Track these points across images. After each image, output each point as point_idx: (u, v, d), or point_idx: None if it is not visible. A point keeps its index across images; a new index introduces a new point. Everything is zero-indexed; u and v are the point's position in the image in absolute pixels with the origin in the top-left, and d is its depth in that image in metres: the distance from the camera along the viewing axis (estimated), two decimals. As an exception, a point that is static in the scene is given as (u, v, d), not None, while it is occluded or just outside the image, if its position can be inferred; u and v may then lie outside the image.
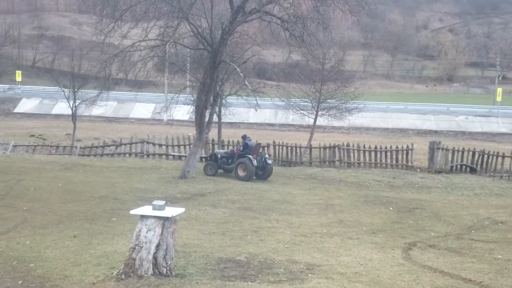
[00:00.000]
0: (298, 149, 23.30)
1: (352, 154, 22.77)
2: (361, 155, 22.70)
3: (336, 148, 22.86)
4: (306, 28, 15.60)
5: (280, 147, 23.16)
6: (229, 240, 8.53)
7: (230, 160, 17.58)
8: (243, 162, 17.02)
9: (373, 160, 22.51)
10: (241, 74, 15.79)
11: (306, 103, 27.59)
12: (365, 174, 19.96)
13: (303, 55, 18.68)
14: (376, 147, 22.87)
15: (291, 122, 51.16)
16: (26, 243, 7.85)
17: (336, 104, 26.93)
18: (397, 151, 22.42)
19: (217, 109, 21.53)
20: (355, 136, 40.95)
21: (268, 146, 23.18)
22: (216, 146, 23.02)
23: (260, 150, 18.06)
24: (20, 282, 6.01)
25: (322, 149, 23.06)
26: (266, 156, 18.02)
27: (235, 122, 46.29)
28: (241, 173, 17.05)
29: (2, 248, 7.50)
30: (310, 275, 6.67)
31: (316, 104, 26.76)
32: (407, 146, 22.63)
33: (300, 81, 29.28)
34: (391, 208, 12.92)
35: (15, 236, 8.31)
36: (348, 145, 23.11)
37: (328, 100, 26.92)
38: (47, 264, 6.73)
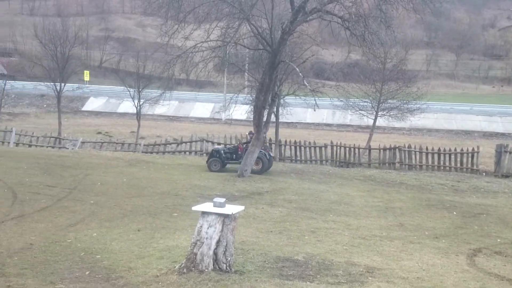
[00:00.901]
0: (356, 150, 22.94)
1: (413, 156, 22.11)
2: (423, 157, 21.99)
3: (397, 149, 22.28)
4: (367, 27, 15.31)
5: (338, 147, 22.89)
6: (286, 240, 8.55)
7: (234, 156, 18.12)
8: (259, 156, 17.54)
9: (436, 163, 21.75)
10: (300, 74, 15.75)
11: (365, 103, 27.09)
12: (427, 177, 19.32)
13: (364, 55, 18.34)
14: (439, 149, 22.08)
15: (349, 122, 50.35)
16: (93, 235, 8.24)
17: (397, 105, 26.25)
18: (461, 154, 21.54)
19: (275, 109, 21.61)
20: (417, 138, 39.67)
21: (325, 146, 23.00)
22: (273, 145, 23.12)
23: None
24: (87, 272, 6.33)
25: (381, 150, 22.55)
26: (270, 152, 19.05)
27: (292, 122, 46.21)
28: (255, 166, 17.52)
29: (70, 239, 7.92)
30: (370, 278, 6.55)
31: (376, 104, 26.21)
32: (473, 149, 21.68)
33: (360, 81, 28.78)
34: (454, 213, 12.43)
35: (83, 228, 8.75)
36: (409, 146, 22.46)
37: (389, 100, 26.29)
38: (112, 256, 7.04)
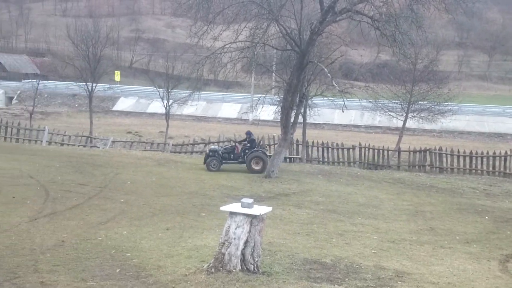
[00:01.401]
0: (385, 152, 22.63)
1: (444, 159, 21.68)
2: (455, 160, 21.53)
3: (428, 152, 21.88)
4: (398, 27, 15.09)
5: (366, 149, 22.63)
6: (313, 242, 8.50)
7: (232, 155, 18.03)
8: (259, 156, 17.83)
9: (467, 166, 21.28)
10: (328, 74, 15.65)
11: (395, 105, 26.71)
12: (458, 180, 18.90)
13: (394, 55, 18.06)
14: (471, 152, 21.58)
15: (378, 124, 49.74)
16: (123, 233, 8.38)
17: (428, 106, 25.80)
18: (494, 157, 21.00)
19: (302, 110, 21.52)
20: (448, 140, 38.84)
21: (353, 148, 22.77)
22: (300, 146, 23.04)
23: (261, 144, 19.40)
24: (118, 270, 6.43)
25: (411, 152, 22.19)
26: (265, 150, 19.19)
27: (319, 123, 45.98)
28: (255, 166, 17.69)
29: (101, 237, 8.07)
30: (399, 282, 6.45)
31: (406, 105, 25.81)
32: (505, 152, 21.12)
33: (389, 82, 28.40)
34: (486, 217, 12.12)
35: (113, 226, 8.90)
36: (440, 149, 22.03)
37: (420, 102, 25.86)
38: (142, 254, 7.14)
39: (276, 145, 20.96)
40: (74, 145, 24.27)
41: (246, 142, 18.31)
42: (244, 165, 17.99)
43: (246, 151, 17.97)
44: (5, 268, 6.25)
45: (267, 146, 23.41)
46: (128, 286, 5.79)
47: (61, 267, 6.42)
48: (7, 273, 6.06)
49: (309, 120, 25.10)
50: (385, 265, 7.25)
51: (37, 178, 13.23)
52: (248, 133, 18.62)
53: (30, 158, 16.91)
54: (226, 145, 19.22)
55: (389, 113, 27.24)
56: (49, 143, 24.18)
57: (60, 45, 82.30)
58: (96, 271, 6.34)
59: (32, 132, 24.79)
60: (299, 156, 22.74)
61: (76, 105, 56.76)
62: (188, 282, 5.87)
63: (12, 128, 24.51)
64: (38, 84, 34.87)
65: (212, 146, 19.29)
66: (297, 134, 21.96)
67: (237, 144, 18.44)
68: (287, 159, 21.76)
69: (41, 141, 24.09)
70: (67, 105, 56.85)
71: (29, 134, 24.61)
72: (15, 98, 58.61)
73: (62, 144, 24.24)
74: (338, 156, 22.76)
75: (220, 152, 17.92)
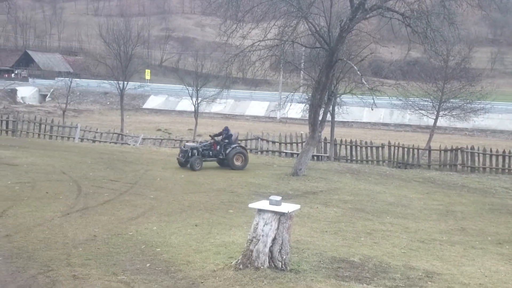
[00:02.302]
0: (415, 150, 22.28)
1: (476, 158, 21.19)
2: (487, 159, 21.02)
3: (459, 151, 21.42)
4: (430, 23, 14.82)
5: (396, 148, 22.33)
6: (341, 240, 8.45)
7: (211, 152, 17.15)
8: (241, 152, 17.21)
9: (500, 166, 20.74)
10: (358, 72, 15.49)
11: (426, 103, 26.23)
12: (491, 180, 18.44)
13: (425, 52, 17.73)
14: (504, 151, 21.04)
15: (407, 122, 49.00)
16: (153, 229, 8.52)
17: (460, 104, 25.24)
18: (528, 157, 20.39)
19: (330, 108, 21.38)
20: (480, 139, 37.96)
21: (383, 146, 22.49)
22: (328, 144, 22.91)
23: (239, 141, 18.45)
24: (148, 265, 6.56)
25: (442, 151, 21.76)
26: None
27: (347, 121, 45.61)
28: (238, 163, 17.08)
29: (132, 232, 8.23)
30: (429, 283, 6.36)
31: (438, 103, 25.31)
32: (541, 152, 20.47)
33: (420, 79, 27.89)
34: (521, 219, 11.78)
35: (143, 221, 9.06)
36: (472, 148, 21.54)
37: (451, 100, 25.32)
38: (172, 250, 7.26)
39: (303, 143, 20.91)
40: (105, 142, 24.78)
41: (222, 137, 17.35)
42: (214, 162, 17.19)
43: (227, 147, 17.09)
44: (39, 261, 6.45)
45: (295, 144, 23.41)
46: (158, 281, 5.90)
47: (93, 261, 6.58)
48: (41, 266, 6.25)
49: (337, 118, 24.93)
50: (414, 265, 7.16)
51: (69, 174, 13.58)
52: (226, 129, 17.66)
53: (63, 155, 17.36)
54: (202, 142, 17.97)
55: (420, 111, 26.77)
56: (81, 140, 24.77)
57: (92, 44, 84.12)
58: (127, 266, 6.47)
59: (65, 129, 25.43)
60: (327, 154, 22.61)
61: (108, 103, 57.94)
62: (217, 278, 5.93)
63: (45, 125, 25.20)
64: (71, 82, 35.74)
65: (189, 144, 17.66)
66: (325, 132, 21.83)
67: (215, 140, 17.30)
68: (315, 157, 21.67)
69: (74, 138, 24.70)
70: (99, 103, 58.11)
71: (62, 131, 25.25)
72: (48, 95, 60.33)
73: (94, 141, 24.79)
74: (366, 155, 22.53)
75: (200, 149, 16.88)
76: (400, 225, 10.15)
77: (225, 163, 17.08)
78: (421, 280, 6.49)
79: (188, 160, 16.30)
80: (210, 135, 18.09)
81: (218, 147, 17.13)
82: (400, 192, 14.69)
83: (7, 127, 24.71)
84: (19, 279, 5.75)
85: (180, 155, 16.56)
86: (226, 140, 17.24)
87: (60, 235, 7.78)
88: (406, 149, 22.21)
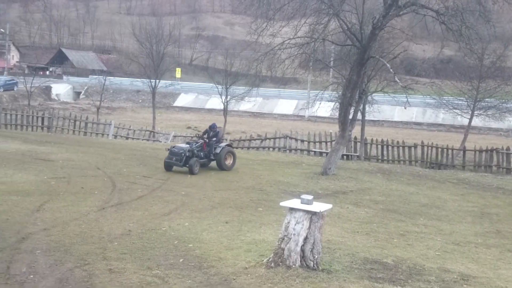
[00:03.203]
0: (449, 151, 21.80)
1: (512, 159, 20.56)
2: (524, 160, 20.37)
3: (494, 151, 20.85)
4: (464, 21, 14.48)
5: (429, 148, 21.90)
6: (374, 241, 8.36)
7: (202, 154, 15.33)
8: (231, 151, 15.96)
9: (537, 167, 20.06)
10: (391, 70, 15.27)
11: (460, 102, 25.65)
12: (527, 182, 17.88)
13: (459, 50, 17.34)
14: (542, 153, 20.32)
15: (441, 121, 48.02)
16: (185, 225, 8.63)
17: (495, 104, 24.57)
18: None
19: (361, 107, 21.16)
20: (516, 140, 36.80)
21: (415, 146, 22.10)
22: (358, 144, 22.67)
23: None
24: (181, 260, 6.65)
25: (477, 152, 21.22)
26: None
27: (378, 120, 45.06)
28: (228, 162, 15.80)
29: (165, 227, 8.36)
30: (465, 286, 6.23)
31: (472, 103, 24.72)
32: None
33: (454, 78, 27.30)
34: (560, 223, 11.38)
35: (176, 217, 9.19)
36: (508, 148, 20.91)
37: (486, 99, 24.67)
38: (204, 246, 7.34)
39: (333, 142, 20.75)
40: (138, 139, 25.22)
41: (206, 136, 15.72)
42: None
43: (215, 146, 15.61)
44: (76, 255, 6.63)
45: (324, 143, 23.25)
46: (191, 276, 5.98)
47: (128, 255, 6.72)
48: (77, 260, 6.42)
49: (368, 117, 24.63)
50: (449, 268, 7.02)
51: (104, 170, 13.89)
52: (213, 126, 16.02)
53: (97, 151, 17.76)
54: (190, 142, 16.08)
55: (454, 110, 26.19)
56: (115, 136, 25.27)
57: (125, 42, 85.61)
58: (161, 260, 6.58)
59: (99, 126, 25.99)
60: (357, 154, 22.38)
61: (140, 100, 58.91)
62: (249, 275, 5.97)
63: (80, 122, 25.81)
64: (104, 80, 36.51)
65: (180, 145, 15.62)
66: (355, 131, 21.61)
67: (205, 139, 15.61)
68: (344, 157, 21.48)
69: (107, 135, 25.22)
70: (131, 101, 59.13)
71: (96, 128, 25.82)
72: (82, 93, 61.74)
73: (127, 138, 25.26)
74: (398, 155, 22.17)
75: (195, 151, 15.10)
76: (434, 227, 9.97)
77: (206, 164, 15.53)
78: (456, 283, 6.37)
79: (186, 163, 14.57)
80: (197, 135, 16.65)
81: (209, 146, 15.57)
82: (433, 193, 14.42)
83: (42, 123, 25.43)
84: (57, 272, 5.91)
85: (173, 158, 14.61)
86: (214, 139, 15.77)
87: (96, 230, 7.97)
88: (439, 149, 21.75)
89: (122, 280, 5.74)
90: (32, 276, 5.76)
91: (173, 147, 15.21)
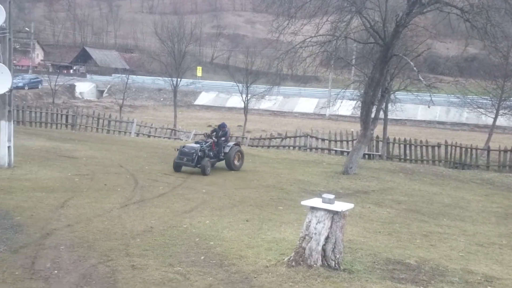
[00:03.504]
0: (473, 150, 21.42)
1: (538, 160, 20.10)
2: (550, 161, 19.89)
3: (520, 151, 20.41)
4: (490, 18, 14.18)
5: (453, 147, 21.55)
6: (396, 242, 8.27)
7: (211, 153, 14.84)
8: (240, 150, 15.46)
9: None
10: (414, 68, 15.06)
11: (485, 101, 25.16)
12: (554, 183, 17.44)
13: (484, 48, 16.98)
14: None
15: (465, 121, 47.22)
16: (206, 222, 8.68)
17: (521, 103, 24.05)
18: None
19: (383, 105, 20.92)
20: (543, 140, 35.87)
21: (439, 145, 21.77)
22: (380, 143, 22.44)
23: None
24: (202, 257, 6.69)
25: (502, 152, 20.79)
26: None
27: (401, 119, 44.56)
28: (237, 162, 15.33)
29: (186, 225, 8.42)
30: (489, 287, 6.11)
31: (497, 102, 24.22)
32: None
33: (479, 76, 26.79)
34: None
35: (197, 215, 9.24)
36: (534, 149, 20.46)
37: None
38: (224, 244, 7.36)
39: (354, 141, 20.60)
40: (159, 137, 25.46)
41: (216, 135, 15.22)
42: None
43: (224, 146, 15.16)
44: (99, 251, 6.72)
45: (345, 142, 23.08)
46: (212, 273, 6.01)
47: (150, 252, 6.79)
48: (101, 256, 6.51)
49: (390, 115, 24.38)
50: (473, 269, 6.90)
51: (126, 167, 14.06)
52: (223, 125, 15.60)
53: (120, 148, 17.99)
54: (199, 141, 15.32)
55: (478, 109, 25.72)
56: (137, 134, 25.57)
57: (147, 41, 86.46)
58: (183, 257, 6.63)
59: (122, 124, 26.34)
60: (379, 153, 22.16)
61: (161, 99, 59.43)
62: (270, 274, 5.97)
63: (103, 120, 26.18)
64: (127, 79, 36.93)
65: (190, 145, 14.82)
66: (377, 130, 21.40)
67: (213, 138, 15.13)
68: (366, 156, 21.30)
69: (130, 133, 25.54)
70: (153, 99, 59.69)
71: (119, 126, 26.17)
72: (105, 91, 62.59)
73: (148, 136, 25.53)
74: (421, 154, 21.89)
75: (206, 150, 14.59)
76: (458, 228, 9.81)
77: (213, 164, 14.77)
78: (480, 284, 6.26)
79: (197, 163, 14.02)
80: (205, 134, 16.04)
81: (218, 145, 15.08)
82: (457, 194, 14.19)
83: (66, 121, 25.88)
84: (80, 268, 6.01)
85: (184, 158, 14.03)
86: (223, 138, 15.30)
87: (118, 226, 8.08)
88: (463, 149, 21.40)
89: (144, 276, 5.81)
90: (56, 271, 5.85)
91: (183, 146, 14.57)
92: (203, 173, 13.99)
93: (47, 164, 13.68)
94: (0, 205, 8.84)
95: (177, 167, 14.26)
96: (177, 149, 14.68)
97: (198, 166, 14.04)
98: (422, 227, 9.62)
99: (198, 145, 14.58)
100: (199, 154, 14.18)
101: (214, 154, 14.88)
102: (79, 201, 9.69)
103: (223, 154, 15.11)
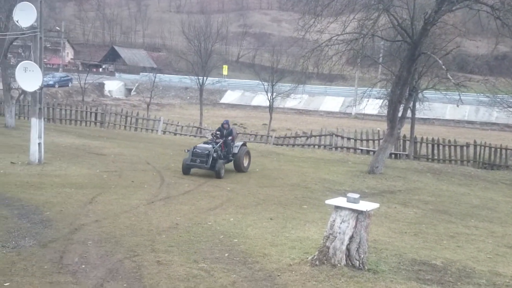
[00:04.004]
0: (503, 151, 20.90)
1: None
2: None
3: (552, 152, 19.81)
4: (521, 16, 13.81)
5: (482, 147, 21.08)
6: (422, 242, 8.15)
7: (221, 154, 13.80)
8: (248, 151, 14.63)
9: None
10: (443, 67, 14.78)
11: (516, 100, 24.45)
12: None
13: (516, 46, 16.58)
14: None
15: (494, 120, 46.09)
16: (230, 220, 8.74)
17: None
18: None
19: (411, 104, 20.60)
20: None
21: (467, 145, 21.32)
22: (407, 142, 22.11)
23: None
24: (226, 254, 6.74)
25: (533, 152, 20.23)
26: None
27: (428, 118, 43.82)
28: (246, 163, 14.53)
29: (211, 222, 8.49)
30: (518, 291, 5.98)
31: (529, 101, 23.52)
32: None
33: (509, 75, 26.08)
34: None
35: (221, 212, 9.32)
36: None
37: (543, 97, 23.42)
38: (248, 241, 7.40)
39: (380, 140, 20.35)
40: (185, 135, 25.72)
41: (221, 134, 14.26)
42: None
43: (233, 145, 14.31)
44: (126, 246, 6.85)
45: (371, 141, 22.83)
46: (236, 271, 6.05)
47: (176, 248, 6.88)
48: (127, 251, 6.63)
49: (417, 114, 23.95)
50: (501, 271, 6.75)
51: (153, 164, 14.26)
52: (226, 122, 14.58)
53: (147, 146, 18.26)
54: (209, 141, 14.34)
55: (508, 109, 25.01)
56: (164, 132, 25.89)
57: (174, 40, 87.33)
58: (207, 254, 6.70)
59: (149, 122, 26.71)
60: (406, 153, 21.85)
61: (188, 97, 59.93)
62: (293, 272, 5.97)
63: (131, 118, 26.61)
64: (154, 77, 37.40)
65: (203, 145, 13.74)
66: (404, 129, 21.10)
67: (218, 137, 14.21)
68: (393, 155, 21.02)
69: (157, 131, 25.87)
70: (179, 97, 60.26)
71: (146, 124, 26.55)
72: (133, 90, 63.51)
73: (175, 134, 25.82)
74: (449, 154, 21.48)
75: (219, 151, 13.70)
76: (486, 229, 9.60)
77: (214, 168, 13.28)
78: (508, 287, 6.12)
79: (212, 165, 13.16)
80: (212, 134, 14.84)
81: (225, 146, 14.09)
82: (486, 195, 13.88)
83: (95, 118, 26.40)
84: (108, 263, 6.13)
85: (198, 160, 13.16)
86: (230, 137, 14.27)
87: (145, 222, 8.21)
88: (493, 149, 20.91)
89: (169, 272, 5.89)
90: (84, 266, 5.99)
91: (195, 147, 13.61)
92: (218, 175, 13.15)
93: (76, 160, 14.00)
94: (30, 201, 9.10)
95: (187, 170, 13.35)
96: (188, 150, 13.78)
97: (212, 168, 13.19)
98: (449, 228, 9.46)
99: (211, 145, 13.62)
100: (214, 156, 13.29)
101: (223, 155, 13.93)
102: (107, 197, 9.89)
103: (231, 155, 14.17)
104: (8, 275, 5.51)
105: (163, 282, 5.55)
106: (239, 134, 24.09)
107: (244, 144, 14.71)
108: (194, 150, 13.41)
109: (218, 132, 14.36)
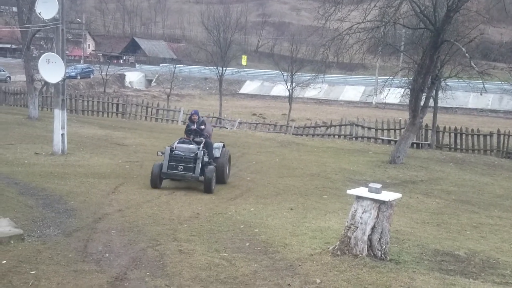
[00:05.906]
0: (528, 140, 20.44)
1: None
2: None
3: None
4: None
5: (506, 136, 20.66)
6: (445, 233, 8.05)
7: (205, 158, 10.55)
8: (230, 155, 11.54)
9: None
10: (466, 54, 14.48)
11: (542, 88, 23.84)
12: None
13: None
14: None
15: (519, 109, 45.05)
16: (250, 210, 8.77)
17: None
18: None
19: (433, 93, 20.25)
20: None
21: (491, 134, 20.89)
22: (429, 132, 21.79)
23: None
24: (247, 244, 6.77)
25: (560, 141, 19.72)
26: None
27: (451, 107, 43.11)
28: (228, 170, 11.36)
29: (231, 212, 8.54)
30: (544, 283, 5.86)
31: (556, 89, 22.93)
32: None
33: (536, 62, 25.34)
34: None
35: (242, 202, 9.36)
36: None
37: None
38: (269, 231, 7.42)
39: (402, 130, 20.10)
40: (204, 125, 25.79)
41: (193, 128, 10.82)
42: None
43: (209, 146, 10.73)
44: (148, 235, 6.94)
45: (393, 131, 22.55)
46: (257, 260, 6.07)
47: (197, 237, 6.94)
48: (149, 240, 6.72)
49: (440, 103, 23.55)
50: (527, 263, 6.63)
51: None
52: (195, 112, 11.24)
53: (167, 136, 18.39)
54: (185, 139, 10.67)
55: (535, 97, 24.45)
56: (184, 122, 26.01)
57: (194, 31, 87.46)
58: (228, 243, 6.74)
59: (169, 113, 26.90)
60: (428, 142, 21.54)
61: (207, 88, 60.12)
62: (314, 262, 5.97)
63: (152, 109, 26.83)
64: (174, 68, 37.61)
65: (186, 146, 10.41)
66: (427, 118, 20.79)
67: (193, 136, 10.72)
68: (414, 145, 20.75)
69: (177, 121, 26.04)
70: (199, 88, 60.50)
71: (167, 114, 26.75)
72: (153, 81, 64.01)
73: (194, 124, 25.91)
74: (472, 143, 21.10)
75: (206, 154, 10.56)
76: (510, 219, 9.43)
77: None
78: (534, 279, 6.00)
79: (201, 172, 10.02)
80: (186, 131, 10.88)
81: (205, 147, 10.62)
82: (509, 184, 13.63)
83: (117, 109, 26.70)
84: (131, 252, 6.22)
85: (180, 167, 9.92)
86: (206, 134, 10.82)
87: (166, 212, 8.30)
88: (518, 138, 20.46)
89: (191, 261, 5.95)
90: (107, 254, 6.09)
91: (174, 149, 10.16)
92: (208, 188, 9.80)
93: (98, 151, 14.20)
94: (54, 190, 9.28)
95: (158, 180, 9.93)
96: (162, 153, 10.21)
97: (201, 177, 9.99)
98: (472, 218, 9.32)
99: (195, 146, 10.28)
100: (205, 160, 10.17)
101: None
102: (129, 187, 10.02)
103: (212, 159, 10.59)
104: (34, 264, 5.64)
105: (186, 271, 5.61)
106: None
107: (224, 146, 11.31)
108: (173, 152, 10.07)
109: (192, 127, 10.74)
